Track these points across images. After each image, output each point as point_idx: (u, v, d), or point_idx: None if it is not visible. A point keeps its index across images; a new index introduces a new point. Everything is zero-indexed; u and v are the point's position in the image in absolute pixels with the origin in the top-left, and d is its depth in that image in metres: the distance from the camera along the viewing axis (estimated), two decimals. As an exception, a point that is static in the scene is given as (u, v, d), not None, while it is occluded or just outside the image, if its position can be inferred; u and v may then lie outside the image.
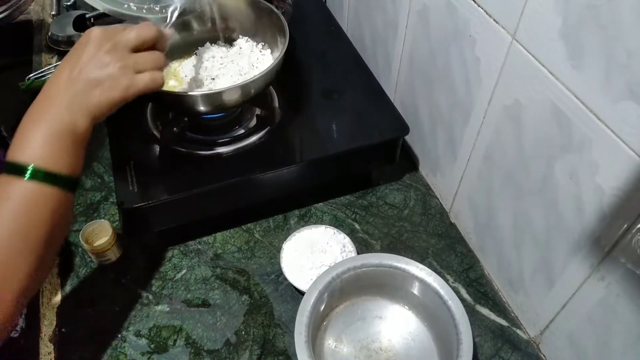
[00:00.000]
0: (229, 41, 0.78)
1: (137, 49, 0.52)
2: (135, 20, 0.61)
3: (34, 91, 0.85)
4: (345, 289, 0.62)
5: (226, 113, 0.72)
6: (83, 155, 0.49)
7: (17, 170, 0.45)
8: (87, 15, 0.97)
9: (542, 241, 0.58)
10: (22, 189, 0.45)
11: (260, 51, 0.75)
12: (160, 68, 0.53)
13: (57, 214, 0.46)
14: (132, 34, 0.51)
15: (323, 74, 0.82)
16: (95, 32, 0.51)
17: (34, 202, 0.45)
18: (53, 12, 1.06)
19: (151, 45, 0.53)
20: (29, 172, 0.44)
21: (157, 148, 0.71)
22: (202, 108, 0.64)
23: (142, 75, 0.51)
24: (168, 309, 0.66)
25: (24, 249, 0.45)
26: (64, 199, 0.47)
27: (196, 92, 0.64)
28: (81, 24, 0.99)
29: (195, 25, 0.78)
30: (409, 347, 0.61)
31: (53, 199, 0.46)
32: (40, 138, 0.46)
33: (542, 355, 0.63)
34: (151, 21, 0.59)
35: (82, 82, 0.48)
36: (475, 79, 0.62)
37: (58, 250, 0.50)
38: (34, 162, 0.45)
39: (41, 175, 0.45)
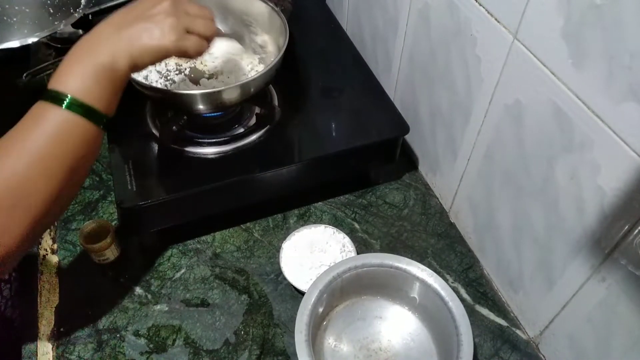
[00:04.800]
0: (229, 40, 0.77)
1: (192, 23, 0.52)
2: None
3: (32, 88, 0.84)
4: (346, 289, 0.62)
5: (225, 112, 0.72)
6: (118, 96, 0.50)
7: (56, 98, 0.46)
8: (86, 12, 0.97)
9: (542, 241, 0.58)
10: (58, 116, 0.46)
11: (259, 48, 0.75)
12: (209, 38, 0.54)
13: (85, 146, 0.48)
14: (197, 6, 0.53)
15: (323, 72, 0.82)
16: None
17: (67, 130, 0.46)
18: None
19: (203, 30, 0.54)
20: (66, 101, 0.46)
21: (156, 147, 0.70)
22: (201, 107, 0.64)
23: (192, 37, 0.52)
24: (167, 308, 0.66)
25: (48, 173, 0.46)
26: (94, 133, 0.48)
27: (195, 91, 0.63)
28: (80, 20, 0.98)
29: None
30: (409, 347, 0.61)
31: (84, 131, 0.47)
32: (81, 72, 0.47)
33: (541, 356, 0.63)
34: None
35: (132, 26, 0.49)
36: (476, 78, 0.62)
37: (79, 186, 0.52)
38: (72, 93, 0.46)
39: (78, 106, 0.46)
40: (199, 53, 0.53)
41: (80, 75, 0.47)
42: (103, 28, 0.50)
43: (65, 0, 0.83)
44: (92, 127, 0.48)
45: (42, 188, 0.45)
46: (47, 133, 0.46)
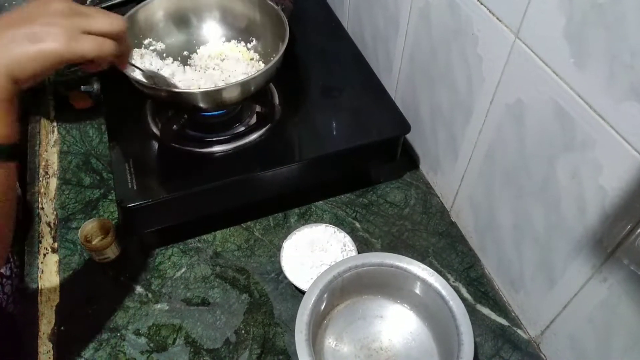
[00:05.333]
0: (229, 38, 0.77)
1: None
2: None
3: (29, 89, 0.84)
4: (347, 288, 0.62)
5: (226, 110, 0.72)
6: (9, 118, 0.41)
7: None
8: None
9: (543, 241, 0.57)
10: None
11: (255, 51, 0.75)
12: (117, 37, 0.46)
13: None
14: (99, 10, 0.46)
15: (323, 71, 0.82)
16: None
17: None
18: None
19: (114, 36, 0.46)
20: None
21: (156, 146, 0.70)
22: (202, 105, 0.64)
23: (89, 37, 0.43)
24: (167, 307, 0.66)
25: None
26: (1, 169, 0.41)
27: (196, 90, 0.63)
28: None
29: (195, 22, 0.77)
30: (410, 347, 0.61)
31: None
32: None
33: (542, 356, 0.62)
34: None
35: (10, 34, 0.40)
36: (477, 78, 0.61)
37: (8, 230, 0.44)
38: None
39: None
40: (103, 55, 0.44)
41: None
42: None
43: None
44: None
45: None
46: None
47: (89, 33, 0.43)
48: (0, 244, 0.44)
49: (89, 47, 0.43)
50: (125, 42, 0.49)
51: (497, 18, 0.55)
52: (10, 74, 0.40)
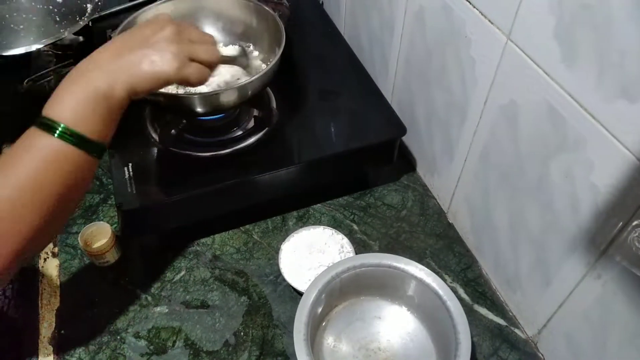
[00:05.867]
0: (227, 44, 0.78)
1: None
2: None
3: (32, 95, 0.85)
4: (345, 289, 0.63)
5: (224, 115, 0.72)
6: (115, 124, 0.49)
7: (48, 126, 0.45)
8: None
9: (538, 240, 0.58)
10: (48, 144, 0.45)
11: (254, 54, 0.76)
12: (212, 65, 0.53)
13: (77, 176, 0.47)
14: (199, 32, 0.53)
15: (320, 75, 0.83)
16: (164, 15, 0.52)
17: (58, 159, 0.45)
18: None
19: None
20: (59, 130, 0.44)
21: (155, 150, 0.71)
22: (199, 109, 0.65)
23: (194, 65, 0.50)
24: (167, 310, 0.66)
25: (37, 202, 0.45)
26: (86, 162, 0.47)
27: (193, 94, 0.64)
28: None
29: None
30: (408, 347, 0.62)
31: (76, 160, 0.46)
32: (75, 99, 0.46)
33: (540, 354, 0.63)
34: None
35: (132, 53, 0.48)
36: (471, 80, 0.62)
37: (70, 213, 0.51)
38: (65, 122, 0.45)
39: (70, 136, 0.45)
40: (201, 81, 0.52)
41: (74, 102, 0.45)
42: (101, 53, 0.48)
43: (71, 8, 0.84)
44: (84, 157, 0.46)
45: (30, 217, 0.44)
46: (37, 161, 0.44)
47: (193, 59, 0.50)
48: (51, 231, 0.49)
49: (194, 74, 0.50)
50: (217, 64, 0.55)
51: (489, 20, 0.56)
52: (131, 89, 0.48)
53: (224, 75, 0.71)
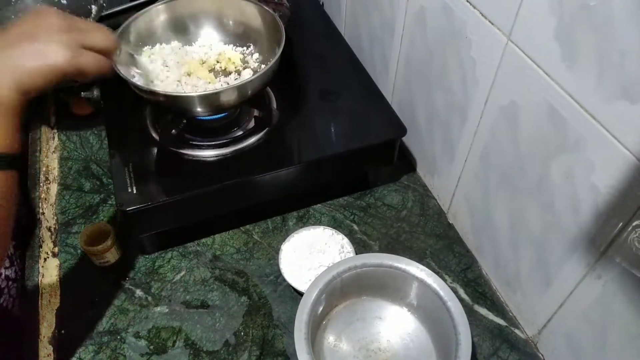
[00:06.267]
0: (227, 44, 0.78)
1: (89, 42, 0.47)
2: None
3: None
4: (346, 289, 0.63)
5: (224, 115, 0.72)
6: (15, 129, 0.44)
7: None
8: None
9: (538, 241, 0.58)
10: None
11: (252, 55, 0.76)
12: (110, 52, 0.50)
13: None
14: (89, 22, 0.49)
15: (320, 75, 0.83)
16: (47, 7, 0.48)
17: None
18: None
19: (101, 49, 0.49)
20: None
21: (155, 150, 0.71)
22: (199, 109, 0.65)
23: (89, 53, 0.47)
24: (167, 310, 0.66)
25: None
26: (1, 178, 0.42)
27: (193, 93, 0.64)
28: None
29: (192, 28, 0.78)
30: (408, 347, 0.62)
31: None
32: None
33: (540, 355, 0.63)
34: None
35: (15, 47, 0.43)
36: (471, 80, 0.62)
37: (6, 236, 0.45)
38: None
39: None
40: (99, 70, 0.48)
41: None
42: None
43: (76, 10, 0.84)
44: None
45: None
46: None
47: (87, 48, 0.47)
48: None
49: (89, 62, 0.47)
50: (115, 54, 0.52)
51: (490, 21, 0.56)
52: (20, 87, 0.43)
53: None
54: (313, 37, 0.91)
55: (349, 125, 0.75)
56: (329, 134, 0.74)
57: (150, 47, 0.74)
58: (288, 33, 0.70)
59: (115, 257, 0.70)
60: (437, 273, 0.63)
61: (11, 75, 0.43)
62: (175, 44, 0.76)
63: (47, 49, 0.44)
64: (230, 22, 0.78)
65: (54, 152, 0.84)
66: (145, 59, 0.71)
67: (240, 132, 0.73)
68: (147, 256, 0.72)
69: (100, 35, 0.49)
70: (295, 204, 0.77)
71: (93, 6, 0.84)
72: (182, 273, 0.70)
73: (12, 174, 0.44)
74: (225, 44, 0.78)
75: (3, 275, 0.67)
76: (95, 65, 0.47)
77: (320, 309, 0.60)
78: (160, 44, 0.75)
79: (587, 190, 0.49)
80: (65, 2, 0.85)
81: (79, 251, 0.71)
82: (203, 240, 0.73)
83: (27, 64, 0.43)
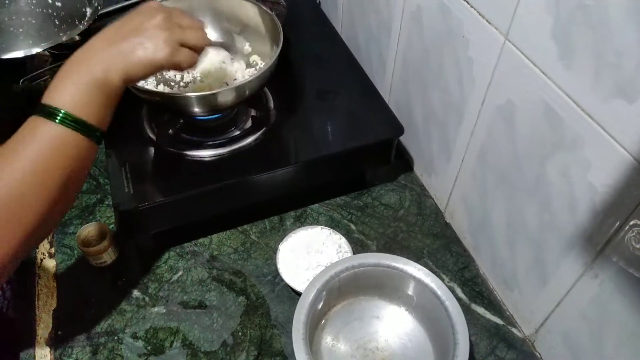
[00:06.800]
0: (224, 44, 0.78)
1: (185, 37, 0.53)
2: None
3: (29, 94, 0.85)
4: (343, 288, 0.63)
5: (221, 114, 0.72)
6: (112, 110, 0.50)
7: (49, 113, 0.46)
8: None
9: (535, 240, 0.58)
10: (51, 131, 0.46)
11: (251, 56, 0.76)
12: (200, 49, 0.54)
13: (78, 161, 0.48)
14: (189, 18, 0.54)
15: (317, 75, 0.83)
16: (153, 3, 0.53)
17: (60, 145, 0.46)
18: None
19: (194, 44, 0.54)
20: (59, 116, 0.46)
21: (152, 150, 0.71)
22: (197, 109, 0.64)
23: (185, 50, 0.52)
24: (164, 310, 0.66)
25: (41, 188, 0.46)
26: (87, 147, 0.48)
27: (190, 94, 0.64)
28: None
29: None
30: (406, 347, 0.62)
31: (78, 145, 0.47)
32: (74, 86, 0.47)
33: (537, 353, 0.63)
34: None
35: (126, 40, 0.49)
36: (468, 80, 0.62)
37: (73, 199, 0.52)
38: (65, 108, 0.46)
39: (71, 121, 0.46)
40: (190, 65, 0.54)
41: (73, 89, 0.47)
42: (96, 42, 0.50)
43: (70, 13, 0.84)
44: (85, 142, 0.48)
45: (35, 202, 0.45)
46: (40, 148, 0.46)
47: (184, 45, 0.52)
48: (55, 217, 0.50)
49: (184, 59, 0.52)
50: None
51: (487, 20, 0.56)
52: (126, 76, 0.49)
53: (211, 60, 0.72)
54: (310, 36, 0.91)
55: (346, 125, 0.75)
56: (326, 133, 0.74)
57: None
58: (285, 32, 0.70)
59: (112, 257, 0.70)
60: (434, 272, 0.63)
61: (122, 64, 0.49)
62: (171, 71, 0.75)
63: (151, 44, 0.49)
64: (228, 21, 0.77)
65: (50, 152, 0.84)
66: None
67: (238, 132, 0.73)
68: (144, 256, 0.71)
69: (196, 34, 0.53)
70: (292, 204, 0.77)
71: (88, 9, 0.84)
72: (180, 273, 0.70)
73: (96, 148, 0.50)
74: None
75: None
76: (188, 61, 0.53)
77: (318, 309, 0.60)
78: None
79: (584, 189, 0.49)
80: (59, 4, 0.85)
81: (75, 252, 0.71)
82: (200, 240, 0.73)
83: (135, 56, 0.49)
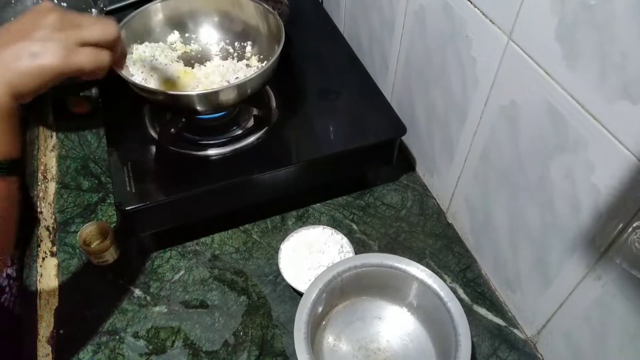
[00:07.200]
0: (226, 42, 0.78)
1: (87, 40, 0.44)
2: None
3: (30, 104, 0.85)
4: (346, 288, 0.63)
5: (224, 113, 0.72)
6: (11, 134, 0.42)
7: None
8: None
9: (538, 241, 0.58)
10: None
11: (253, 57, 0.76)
12: (112, 46, 0.47)
13: None
14: (90, 17, 0.46)
15: (320, 74, 0.82)
16: (45, 3, 0.45)
17: None
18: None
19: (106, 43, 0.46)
20: None
21: (154, 149, 0.71)
22: (199, 108, 0.64)
23: (86, 49, 0.44)
24: (166, 310, 0.66)
25: None
26: (1, 186, 0.41)
27: (192, 92, 0.64)
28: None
29: (191, 26, 0.78)
30: (407, 348, 0.61)
31: None
32: None
33: (539, 355, 0.63)
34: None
35: (8, 47, 0.41)
36: (471, 80, 0.62)
37: (9, 239, 0.45)
38: None
39: None
40: (100, 67, 0.45)
41: None
42: None
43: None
44: None
45: None
46: None
47: (85, 44, 0.44)
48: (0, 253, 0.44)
49: (86, 59, 0.44)
50: (121, 46, 0.49)
51: (490, 20, 0.56)
52: (13, 90, 0.41)
53: (212, 77, 0.71)
54: (312, 36, 0.90)
55: (349, 124, 0.74)
56: (329, 133, 0.74)
57: (147, 43, 0.74)
58: (287, 31, 0.69)
59: (114, 256, 0.70)
60: (436, 273, 0.63)
61: (6, 78, 0.41)
62: (172, 36, 0.76)
63: (39, 48, 0.42)
64: (229, 20, 0.77)
65: (52, 150, 0.84)
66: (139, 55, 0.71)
67: (240, 131, 0.73)
68: (145, 256, 0.71)
69: (98, 29, 0.45)
70: (294, 204, 0.77)
71: (93, 10, 0.84)
72: (181, 273, 0.70)
73: (13, 179, 0.43)
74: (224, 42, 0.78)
75: (5, 274, 0.67)
76: (93, 61, 0.44)
77: (320, 308, 0.60)
78: (157, 42, 0.75)
79: (587, 190, 0.49)
80: (65, 4, 0.84)
81: (77, 250, 0.71)
82: (202, 239, 0.73)
83: (19, 65, 0.41)
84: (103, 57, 0.45)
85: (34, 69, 0.41)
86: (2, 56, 0.41)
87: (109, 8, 0.87)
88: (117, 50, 0.48)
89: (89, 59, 0.44)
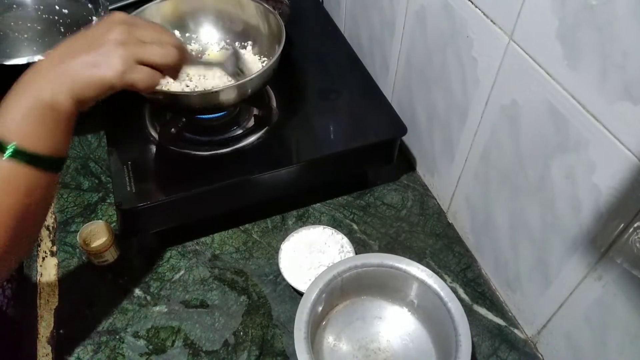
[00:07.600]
0: (227, 42, 0.78)
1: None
2: None
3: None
4: (346, 288, 0.63)
5: (224, 113, 0.72)
6: (67, 135, 0.46)
7: None
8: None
9: (538, 241, 0.58)
10: (1, 166, 0.42)
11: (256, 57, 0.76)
12: (166, 68, 0.49)
13: (34, 194, 0.44)
14: (156, 31, 0.48)
15: (320, 74, 0.82)
16: (117, 14, 0.48)
17: (11, 180, 0.43)
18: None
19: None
20: (8, 151, 0.42)
21: (154, 149, 0.71)
22: (199, 107, 0.64)
23: (143, 69, 0.47)
24: (166, 309, 0.66)
25: None
26: (43, 179, 0.44)
27: (193, 91, 0.64)
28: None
29: (192, 26, 0.78)
30: (407, 348, 0.61)
31: (31, 179, 0.43)
32: (21, 114, 0.43)
33: (539, 355, 0.63)
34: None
35: (75, 59, 0.45)
36: (472, 80, 0.62)
37: (37, 230, 0.48)
38: (14, 140, 0.42)
39: (21, 155, 0.42)
40: (149, 87, 0.48)
41: (20, 117, 0.43)
42: (45, 61, 0.45)
43: (76, 20, 0.84)
44: (40, 174, 0.44)
45: None
46: None
47: (143, 63, 0.47)
48: (19, 251, 0.47)
49: (139, 78, 0.46)
50: (182, 61, 0.50)
51: (491, 20, 0.56)
52: (77, 96, 0.45)
53: (211, 82, 0.71)
54: (313, 35, 0.90)
55: (349, 124, 0.74)
56: (329, 132, 0.74)
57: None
58: (288, 31, 0.69)
59: (114, 256, 0.70)
60: (436, 272, 0.63)
61: (71, 85, 0.44)
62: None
63: (102, 61, 0.45)
64: (230, 20, 0.77)
65: (52, 150, 0.84)
66: None
67: (240, 131, 0.73)
68: (145, 255, 0.71)
69: (158, 52, 0.47)
70: (294, 203, 0.77)
71: (94, 17, 0.84)
72: (181, 272, 0.70)
73: (55, 177, 0.46)
74: (224, 42, 0.78)
75: None
76: (145, 81, 0.47)
77: (320, 308, 0.60)
78: None
79: (588, 190, 0.49)
80: (66, 11, 0.84)
81: (77, 250, 0.71)
82: (202, 239, 0.73)
83: (84, 75, 0.45)
84: (155, 79, 0.48)
85: (94, 80, 0.45)
86: (70, 65, 0.44)
87: (109, 8, 0.87)
88: (178, 70, 0.51)
89: (141, 77, 0.47)
